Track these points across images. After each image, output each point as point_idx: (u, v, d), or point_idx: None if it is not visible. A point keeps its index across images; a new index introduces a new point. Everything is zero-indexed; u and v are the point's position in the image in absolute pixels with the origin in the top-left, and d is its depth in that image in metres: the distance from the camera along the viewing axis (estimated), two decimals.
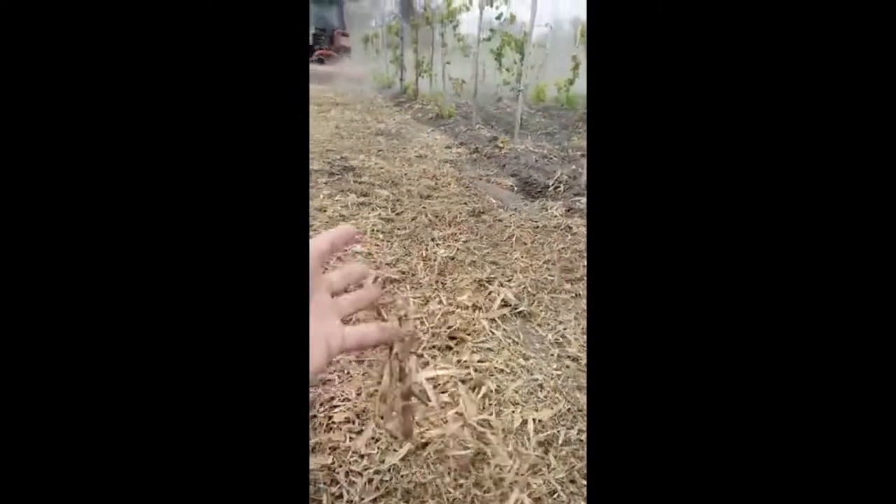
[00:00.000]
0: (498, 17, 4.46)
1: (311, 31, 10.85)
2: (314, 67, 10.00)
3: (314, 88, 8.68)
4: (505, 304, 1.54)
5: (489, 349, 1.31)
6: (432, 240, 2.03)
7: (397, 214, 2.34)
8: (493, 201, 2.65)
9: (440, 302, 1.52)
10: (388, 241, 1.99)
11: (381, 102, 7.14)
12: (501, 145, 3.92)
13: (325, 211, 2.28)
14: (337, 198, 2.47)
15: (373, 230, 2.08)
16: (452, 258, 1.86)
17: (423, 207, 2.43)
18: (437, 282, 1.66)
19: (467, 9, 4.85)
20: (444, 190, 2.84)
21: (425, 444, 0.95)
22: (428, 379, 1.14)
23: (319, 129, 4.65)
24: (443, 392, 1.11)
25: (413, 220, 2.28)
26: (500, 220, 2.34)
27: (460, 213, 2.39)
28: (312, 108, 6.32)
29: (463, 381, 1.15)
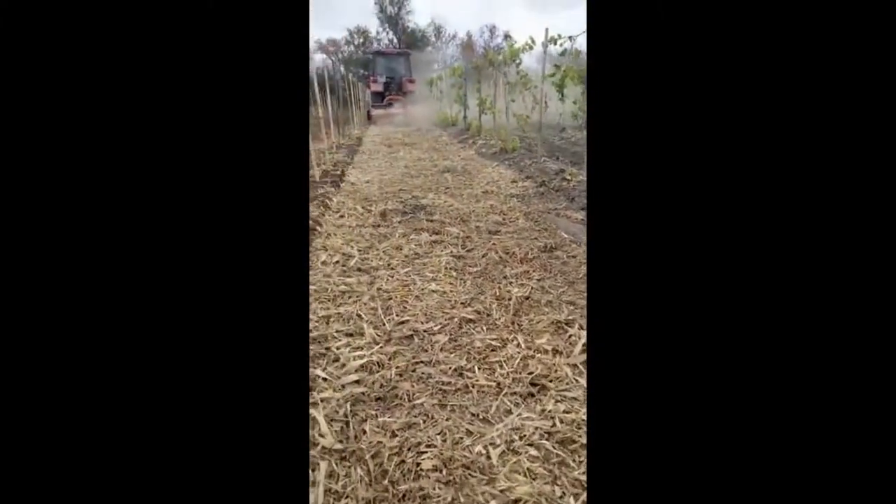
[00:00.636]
0: (562, 54, 4.52)
1: (383, 79, 12.38)
2: (376, 111, 11.35)
3: (384, 130, 9.36)
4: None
5: (574, 398, 1.24)
6: (505, 277, 2.03)
7: (468, 251, 2.38)
8: (565, 236, 2.60)
9: (518, 345, 1.50)
10: (461, 279, 2.02)
11: (447, 140, 7.47)
12: (569, 178, 3.86)
13: (401, 249, 2.40)
14: (412, 237, 2.59)
15: (446, 268, 2.13)
16: (527, 298, 1.83)
17: (493, 244, 2.45)
18: (513, 323, 1.64)
19: (530, 48, 4.99)
20: (513, 225, 2.85)
21: (516, 502, 0.92)
22: (513, 429, 1.11)
23: (391, 169, 4.96)
24: (529, 444, 1.07)
25: (483, 256, 2.30)
26: (573, 257, 2.27)
27: (531, 249, 2.37)
28: (383, 149, 6.78)
29: (549, 434, 1.11)
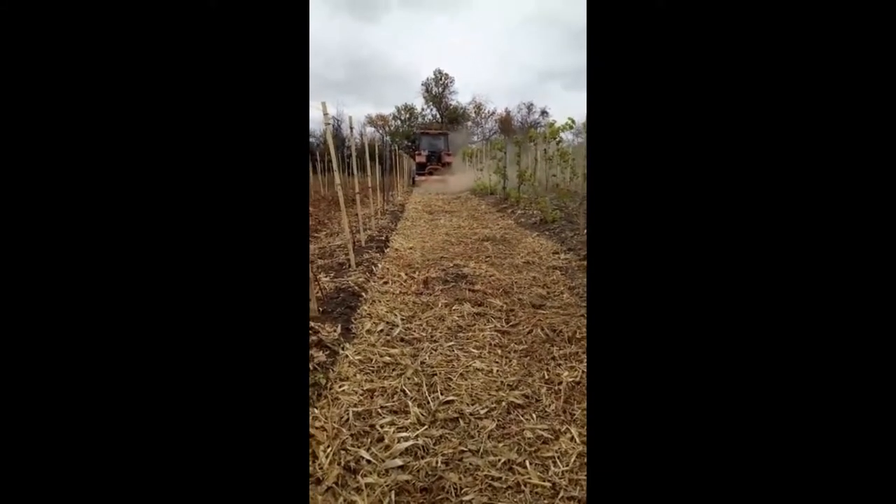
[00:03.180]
0: None
1: (426, 153, 15.18)
2: (419, 178, 13.84)
3: (425, 198, 9.84)
4: None
5: None
6: (553, 359, 1.95)
7: (512, 326, 2.34)
8: None
9: (572, 439, 1.39)
10: (506, 357, 1.96)
11: (485, 209, 7.72)
12: None
13: (443, 320, 2.39)
14: (454, 307, 2.59)
15: (490, 344, 2.09)
16: (578, 383, 1.74)
17: (538, 319, 2.40)
18: (564, 411, 1.55)
19: (570, 127, 5.26)
20: (557, 300, 2.79)
21: None
22: None
23: (432, 236, 5.14)
24: None
25: (529, 332, 2.24)
26: None
27: (579, 328, 2.29)
28: (425, 216, 7.08)
29: None
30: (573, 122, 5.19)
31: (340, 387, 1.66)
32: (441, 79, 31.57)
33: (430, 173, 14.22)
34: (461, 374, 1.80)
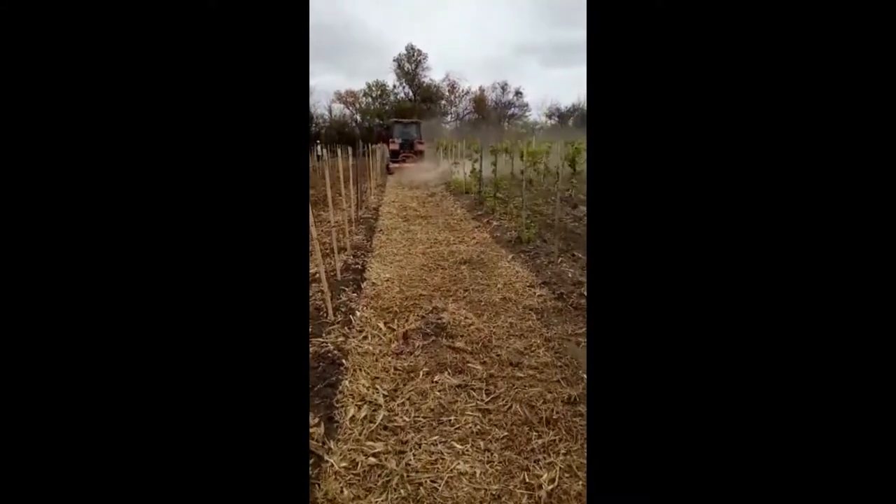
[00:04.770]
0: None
1: (399, 141, 15.70)
2: (393, 165, 14.57)
3: (400, 193, 9.67)
4: None
5: None
6: (532, 451, 2.03)
7: (492, 399, 2.41)
8: (585, 377, 2.61)
9: None
10: (488, 451, 2.03)
11: (461, 215, 7.69)
12: (586, 293, 3.93)
13: (426, 397, 2.43)
14: (436, 377, 2.62)
15: (473, 434, 2.15)
16: (556, 486, 1.83)
17: (517, 391, 2.48)
18: None
19: (547, 154, 5.25)
20: (534, 356, 2.88)
21: None
22: None
23: (409, 257, 5.10)
24: None
25: (509, 409, 2.32)
26: None
27: (555, 402, 2.39)
28: (400, 225, 6.99)
29: None
30: (550, 148, 5.18)
31: None
32: (414, 55, 30.34)
33: (404, 160, 14.94)
34: (446, 482, 1.86)
